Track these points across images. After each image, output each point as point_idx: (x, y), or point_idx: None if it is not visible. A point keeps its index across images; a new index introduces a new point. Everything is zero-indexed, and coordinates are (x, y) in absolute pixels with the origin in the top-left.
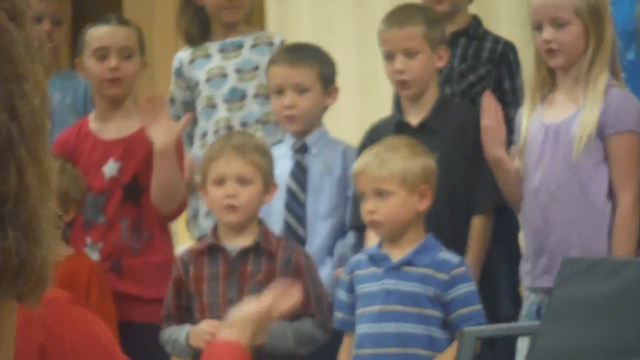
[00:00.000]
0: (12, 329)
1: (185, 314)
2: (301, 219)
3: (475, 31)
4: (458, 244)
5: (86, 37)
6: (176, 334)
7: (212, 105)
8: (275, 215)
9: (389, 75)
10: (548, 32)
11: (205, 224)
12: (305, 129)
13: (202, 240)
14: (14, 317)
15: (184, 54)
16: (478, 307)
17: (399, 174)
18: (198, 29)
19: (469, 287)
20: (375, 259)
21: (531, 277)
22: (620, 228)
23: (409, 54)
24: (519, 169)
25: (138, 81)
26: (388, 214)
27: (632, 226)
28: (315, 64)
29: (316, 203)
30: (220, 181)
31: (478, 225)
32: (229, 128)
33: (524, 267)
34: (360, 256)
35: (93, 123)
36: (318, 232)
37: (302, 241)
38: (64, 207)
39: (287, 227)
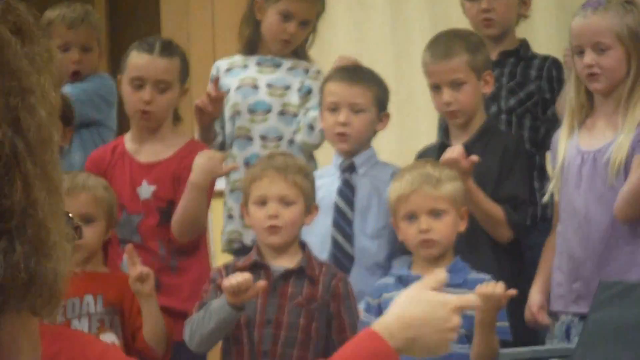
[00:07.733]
0: (35, 340)
1: None
2: (349, 237)
3: (525, 53)
4: (481, 266)
5: (128, 60)
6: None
7: (237, 113)
8: (319, 234)
9: (437, 106)
10: (590, 57)
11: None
12: (355, 149)
13: (245, 257)
14: (34, 329)
15: (222, 62)
16: (505, 324)
17: (451, 194)
18: (254, 40)
19: None
20: (405, 281)
21: (564, 302)
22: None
23: (456, 85)
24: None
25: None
26: (444, 233)
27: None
28: (372, 86)
29: (363, 222)
30: (263, 202)
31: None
32: (249, 139)
33: (556, 290)
34: (387, 279)
35: (129, 143)
36: (366, 251)
37: (350, 259)
38: (110, 225)
39: (335, 244)
